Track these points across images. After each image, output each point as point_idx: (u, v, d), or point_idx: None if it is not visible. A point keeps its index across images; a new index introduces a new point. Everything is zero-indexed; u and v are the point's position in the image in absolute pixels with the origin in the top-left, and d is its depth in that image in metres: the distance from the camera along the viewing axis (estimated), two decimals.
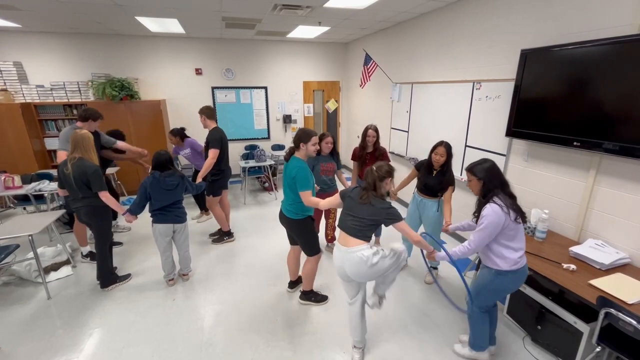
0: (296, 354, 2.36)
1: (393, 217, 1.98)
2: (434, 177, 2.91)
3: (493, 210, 1.86)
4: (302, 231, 2.61)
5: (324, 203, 2.32)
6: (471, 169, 2.05)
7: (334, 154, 3.38)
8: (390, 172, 2.03)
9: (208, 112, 3.73)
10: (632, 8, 2.15)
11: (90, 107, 3.45)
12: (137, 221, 4.53)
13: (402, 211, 2.58)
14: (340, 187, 3.59)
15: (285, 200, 2.59)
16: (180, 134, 4.39)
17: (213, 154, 3.61)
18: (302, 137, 2.45)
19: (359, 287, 2.18)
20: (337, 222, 2.18)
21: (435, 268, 3.31)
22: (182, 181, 3.02)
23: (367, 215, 1.98)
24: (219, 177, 3.85)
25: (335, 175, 3.45)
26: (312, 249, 2.66)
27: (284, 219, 2.64)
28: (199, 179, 3.53)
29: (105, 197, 2.82)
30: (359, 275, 2.02)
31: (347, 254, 1.99)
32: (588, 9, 2.41)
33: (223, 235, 4.13)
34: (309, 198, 2.40)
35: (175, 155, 4.57)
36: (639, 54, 2.04)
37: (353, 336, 2.30)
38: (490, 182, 1.96)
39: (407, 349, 2.41)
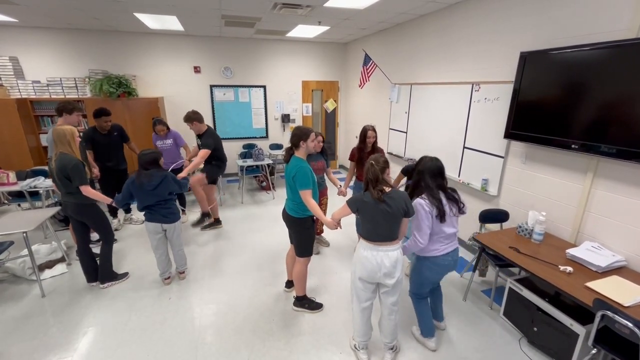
0: (292, 354, 2.35)
1: (413, 209, 2.05)
2: None
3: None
4: (300, 230, 2.59)
5: (336, 215, 2.26)
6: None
7: (324, 152, 3.37)
8: (387, 162, 2.05)
9: (199, 117, 3.86)
10: (629, 13, 2.17)
11: (63, 101, 3.37)
12: (134, 220, 4.56)
13: None
14: (330, 185, 3.60)
15: (288, 198, 2.58)
16: (166, 125, 4.42)
17: (204, 154, 3.79)
18: (300, 135, 2.43)
19: (377, 290, 2.18)
20: (361, 232, 2.14)
21: None
22: (165, 179, 2.90)
23: (394, 212, 1.97)
24: (220, 163, 4.13)
25: (325, 174, 3.44)
26: (304, 251, 2.63)
27: (285, 216, 2.63)
28: (184, 174, 3.48)
29: (87, 191, 2.75)
30: (395, 272, 2.04)
31: (387, 252, 2.02)
32: (586, 13, 2.42)
33: (203, 216, 4.31)
34: (308, 198, 2.38)
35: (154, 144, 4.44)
36: (636, 58, 2.06)
37: (362, 337, 2.27)
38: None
39: (405, 350, 2.41)
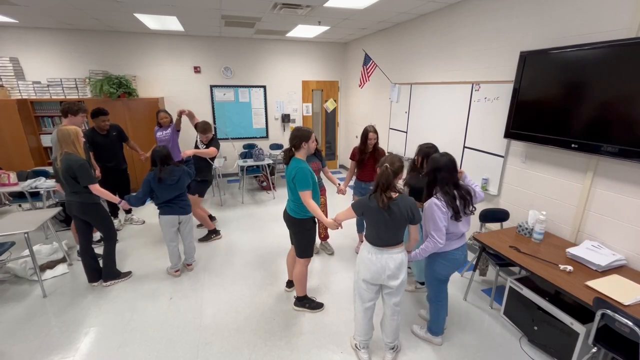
0: (293, 354, 2.35)
1: (419, 215, 2.02)
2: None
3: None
4: (300, 231, 2.60)
5: (340, 217, 2.25)
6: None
7: (317, 153, 3.37)
8: (401, 168, 2.02)
9: (211, 128, 3.94)
10: (630, 12, 2.17)
11: (68, 102, 3.36)
12: (135, 220, 4.57)
13: None
14: (328, 184, 3.59)
15: (289, 199, 2.59)
16: (169, 114, 4.41)
17: (214, 151, 3.81)
18: (302, 137, 2.43)
19: (380, 291, 2.18)
20: (364, 234, 2.14)
21: (423, 283, 3.19)
22: (184, 173, 3.11)
23: (399, 219, 1.95)
24: (207, 179, 4.04)
25: (322, 174, 3.45)
26: (304, 252, 2.64)
27: (286, 216, 2.64)
28: (189, 153, 3.55)
29: (96, 190, 2.80)
30: (400, 274, 2.04)
31: (391, 255, 2.01)
32: (587, 13, 2.43)
33: (210, 233, 4.14)
34: (308, 199, 2.37)
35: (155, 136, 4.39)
36: (636, 57, 2.06)
37: (364, 336, 2.27)
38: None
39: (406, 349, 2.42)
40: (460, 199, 2.09)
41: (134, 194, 3.05)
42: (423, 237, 2.22)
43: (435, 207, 2.04)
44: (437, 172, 2.11)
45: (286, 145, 7.26)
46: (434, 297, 2.36)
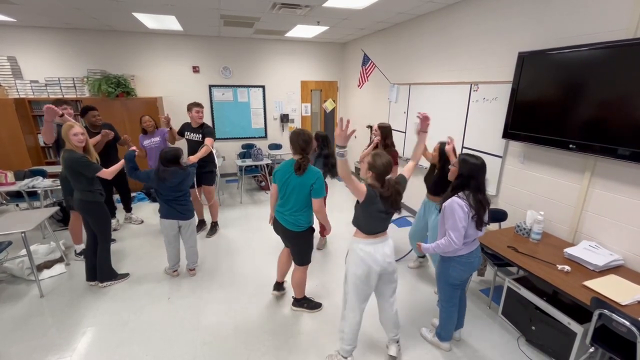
0: (292, 354, 2.35)
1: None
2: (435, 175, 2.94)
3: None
4: (300, 242, 2.56)
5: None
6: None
7: (323, 155, 3.37)
8: (390, 164, 1.96)
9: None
10: (627, 13, 2.18)
11: (55, 100, 3.42)
12: (134, 219, 4.55)
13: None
14: (331, 184, 3.59)
15: (292, 211, 2.44)
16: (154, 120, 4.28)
17: (211, 142, 3.79)
18: (311, 138, 2.41)
19: (375, 288, 2.16)
20: (365, 228, 2.09)
21: (423, 256, 3.47)
22: (187, 177, 3.06)
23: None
24: (215, 168, 4.17)
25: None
26: (304, 259, 2.63)
27: (285, 231, 2.53)
28: (194, 160, 3.44)
29: (105, 173, 2.85)
30: (392, 256, 2.09)
31: (385, 241, 2.06)
32: (585, 13, 2.44)
33: (214, 225, 4.34)
34: (323, 206, 2.40)
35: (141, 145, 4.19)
36: (634, 58, 2.07)
37: (354, 343, 2.19)
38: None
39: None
40: (483, 206, 2.02)
41: (139, 171, 3.05)
42: (438, 235, 2.18)
43: (457, 206, 1.97)
44: (471, 180, 2.01)
45: (285, 145, 7.25)
46: (446, 302, 2.29)
